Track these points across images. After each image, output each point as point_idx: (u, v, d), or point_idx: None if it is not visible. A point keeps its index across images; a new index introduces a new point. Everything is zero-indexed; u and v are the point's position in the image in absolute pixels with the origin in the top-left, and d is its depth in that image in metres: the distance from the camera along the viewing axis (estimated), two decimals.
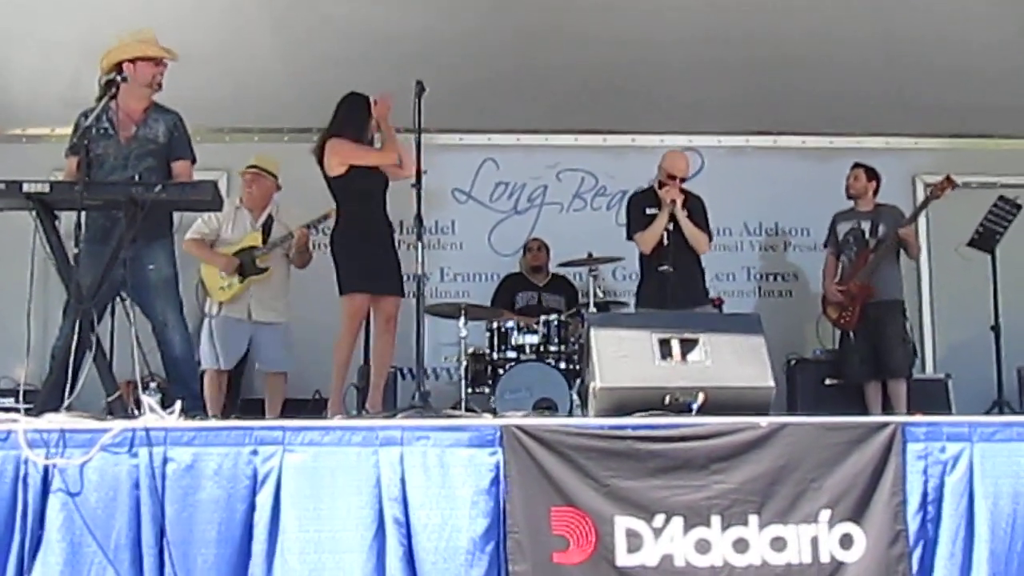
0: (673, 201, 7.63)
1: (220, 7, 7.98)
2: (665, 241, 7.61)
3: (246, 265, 7.73)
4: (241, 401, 7.97)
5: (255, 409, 7.72)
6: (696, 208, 7.82)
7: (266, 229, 7.90)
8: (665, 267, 7.54)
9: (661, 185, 7.77)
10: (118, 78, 5.96)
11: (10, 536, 4.24)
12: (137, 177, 6.03)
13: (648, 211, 7.77)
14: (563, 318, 8.42)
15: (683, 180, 7.79)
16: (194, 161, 6.36)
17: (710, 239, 7.88)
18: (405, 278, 7.02)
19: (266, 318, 7.80)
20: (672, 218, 7.63)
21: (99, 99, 5.91)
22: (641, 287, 7.98)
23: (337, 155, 6.86)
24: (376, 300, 6.97)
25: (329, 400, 7.02)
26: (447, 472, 4.37)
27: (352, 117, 6.97)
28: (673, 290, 7.46)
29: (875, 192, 8.45)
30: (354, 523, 4.30)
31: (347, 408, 7.14)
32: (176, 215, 6.57)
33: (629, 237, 7.89)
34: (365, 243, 6.83)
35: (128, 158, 6.14)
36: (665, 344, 5.32)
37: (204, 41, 7.94)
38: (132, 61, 6.20)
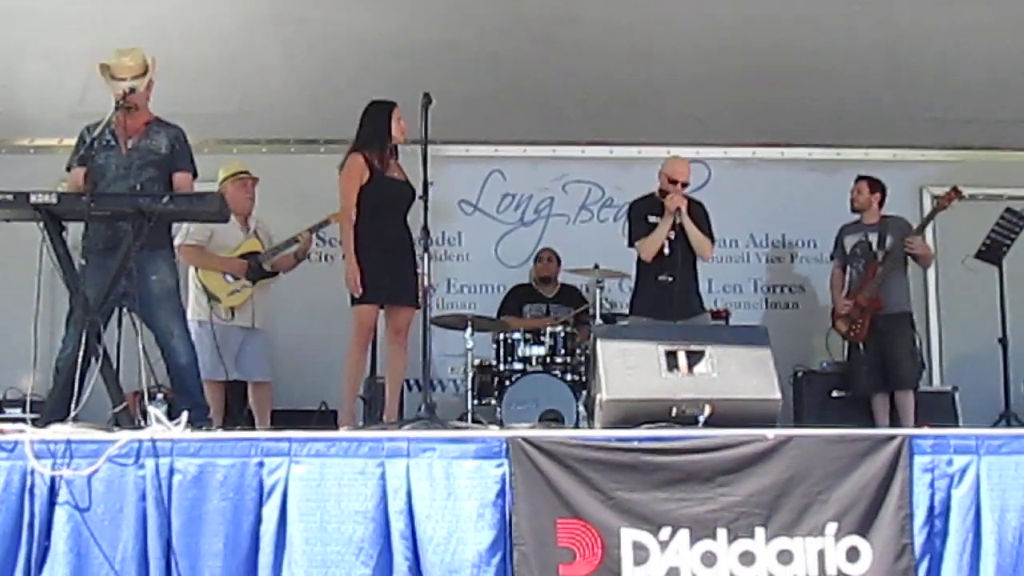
0: (678, 208, 7.57)
1: (228, 20, 7.99)
2: (667, 250, 7.54)
3: (254, 269, 7.73)
4: (247, 412, 7.94)
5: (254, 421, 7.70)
6: (699, 214, 7.73)
7: (256, 235, 7.90)
8: (665, 276, 7.49)
9: (663, 193, 7.71)
10: (126, 87, 6.02)
11: (16, 547, 4.25)
12: (139, 187, 6.05)
13: (650, 218, 7.67)
14: (570, 329, 8.41)
15: (685, 185, 7.70)
16: (195, 175, 6.35)
17: (713, 244, 7.82)
18: None
19: (260, 325, 7.80)
20: (675, 226, 7.57)
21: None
22: (637, 295, 7.87)
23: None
24: (387, 311, 6.95)
25: (339, 412, 6.98)
26: (453, 484, 4.37)
27: (372, 128, 6.96)
28: (673, 300, 7.42)
29: (880, 204, 8.43)
30: (360, 536, 4.30)
31: (354, 419, 7.12)
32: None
33: (631, 244, 7.80)
34: (373, 255, 6.79)
35: (130, 168, 6.13)
36: (672, 356, 5.34)
37: (212, 53, 7.97)
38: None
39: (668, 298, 7.44)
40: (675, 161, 7.84)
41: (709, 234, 7.72)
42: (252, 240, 7.84)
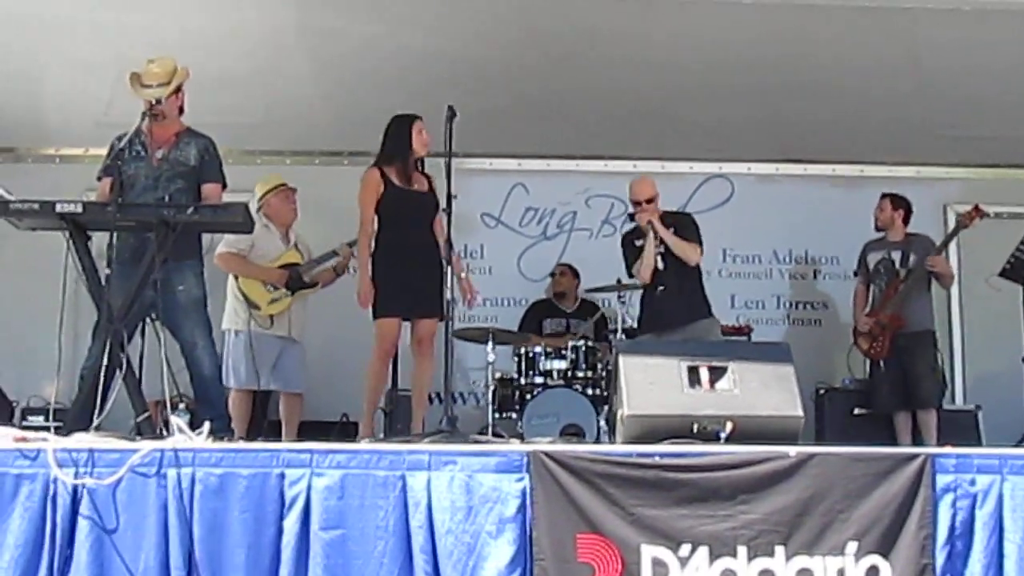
0: (649, 222, 7.58)
1: (254, 30, 8.01)
2: (660, 265, 7.55)
3: (294, 280, 7.76)
4: (268, 422, 7.95)
5: (276, 431, 7.72)
6: (683, 224, 7.75)
7: (296, 247, 7.95)
8: (661, 289, 7.51)
9: (632, 216, 7.77)
10: (152, 96, 6.06)
11: (39, 555, 4.27)
12: (167, 198, 6.07)
13: (637, 243, 7.72)
14: (591, 343, 8.40)
15: (650, 201, 7.69)
16: (224, 186, 6.37)
17: (702, 252, 7.74)
18: None
19: (297, 336, 7.83)
20: (661, 242, 7.57)
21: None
22: (641, 313, 7.89)
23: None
24: (410, 323, 6.95)
25: (360, 424, 6.99)
26: (474, 498, 4.37)
27: (394, 143, 6.96)
28: (670, 309, 7.45)
29: (905, 221, 8.41)
30: (380, 550, 4.31)
31: (375, 432, 7.12)
32: (206, 237, 6.58)
33: (630, 274, 7.87)
34: (394, 267, 6.80)
35: (159, 179, 6.17)
36: (693, 372, 5.33)
37: (237, 64, 7.99)
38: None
39: (665, 307, 7.49)
40: (634, 182, 7.90)
41: (696, 241, 7.70)
42: (292, 252, 7.91)
